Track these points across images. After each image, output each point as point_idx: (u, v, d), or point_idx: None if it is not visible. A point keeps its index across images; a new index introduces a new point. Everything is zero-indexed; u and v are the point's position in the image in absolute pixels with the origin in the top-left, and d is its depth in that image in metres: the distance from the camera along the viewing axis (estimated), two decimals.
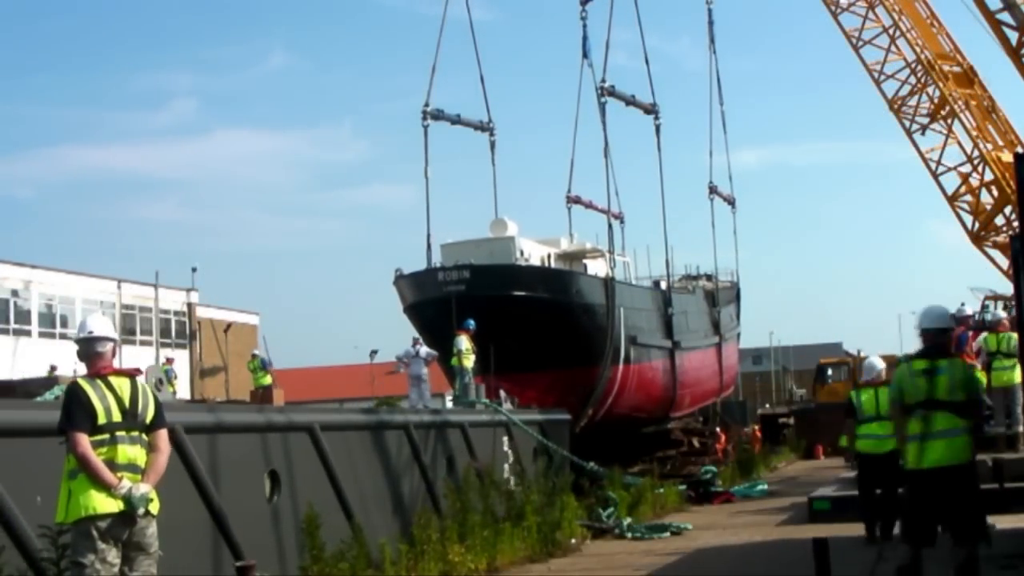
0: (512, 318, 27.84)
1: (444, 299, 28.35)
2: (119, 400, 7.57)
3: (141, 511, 7.42)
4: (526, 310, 29.20)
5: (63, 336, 48.54)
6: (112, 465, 7.40)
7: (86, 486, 7.32)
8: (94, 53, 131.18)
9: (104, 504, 7.31)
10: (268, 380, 31.63)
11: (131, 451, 7.54)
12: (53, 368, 33.12)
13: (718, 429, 40.48)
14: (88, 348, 7.77)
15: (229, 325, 58.97)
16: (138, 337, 52.90)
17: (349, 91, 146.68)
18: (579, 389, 30.25)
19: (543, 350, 28.76)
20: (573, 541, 18.18)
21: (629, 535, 19.22)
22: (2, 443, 9.13)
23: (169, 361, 35.91)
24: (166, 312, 54.78)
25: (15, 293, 46.97)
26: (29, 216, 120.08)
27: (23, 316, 47.08)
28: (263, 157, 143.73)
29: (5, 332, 45.44)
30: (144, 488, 7.46)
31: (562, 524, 18.02)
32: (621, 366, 32.36)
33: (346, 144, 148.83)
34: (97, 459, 7.34)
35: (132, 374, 7.83)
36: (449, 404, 29.53)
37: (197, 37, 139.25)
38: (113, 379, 7.67)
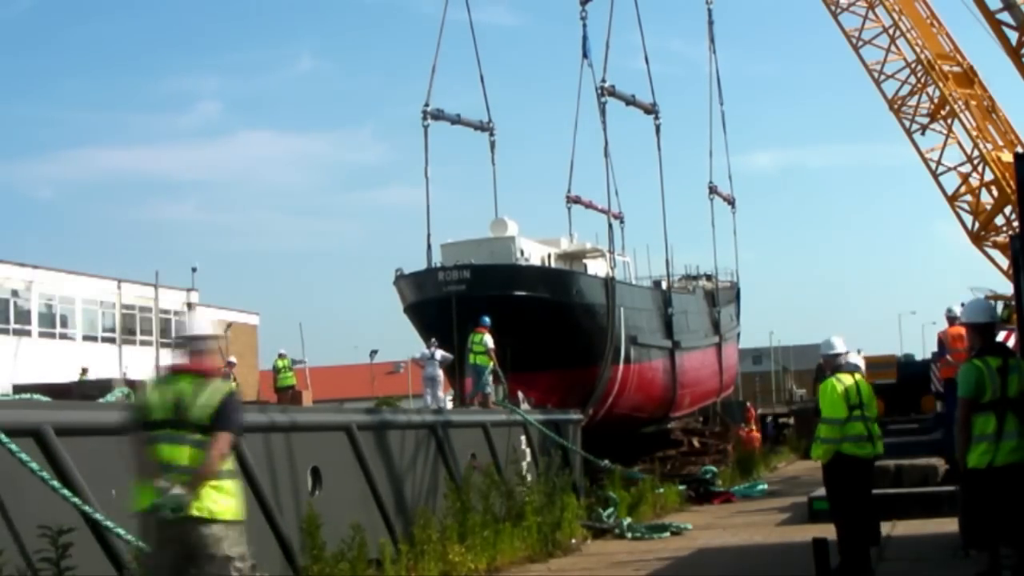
0: (512, 318, 27.80)
1: (444, 299, 28.36)
2: None
3: None
4: (526, 310, 29.18)
5: (63, 336, 48.48)
6: None
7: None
8: (122, 57, 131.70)
9: None
10: (293, 380, 31.88)
11: None
12: (84, 370, 33.29)
13: (753, 425, 40.57)
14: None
15: (229, 325, 58.98)
16: (138, 337, 52.91)
17: (373, 95, 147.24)
18: (579, 389, 30.24)
19: (543, 350, 28.72)
20: (573, 541, 18.15)
21: (629, 535, 19.19)
22: (82, 441, 9.59)
23: (230, 366, 35.70)
24: (166, 312, 54.78)
25: (15, 293, 46.96)
26: (45, 217, 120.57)
27: (23, 316, 47.07)
28: (284, 159, 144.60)
29: (5, 332, 45.43)
30: None
31: (562, 524, 17.99)
32: (621, 366, 32.37)
33: (367, 147, 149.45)
34: None
35: None
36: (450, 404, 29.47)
37: (226, 42, 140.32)
38: None
